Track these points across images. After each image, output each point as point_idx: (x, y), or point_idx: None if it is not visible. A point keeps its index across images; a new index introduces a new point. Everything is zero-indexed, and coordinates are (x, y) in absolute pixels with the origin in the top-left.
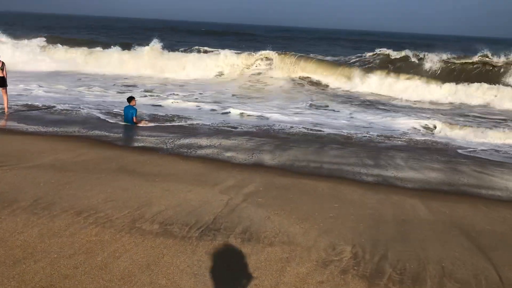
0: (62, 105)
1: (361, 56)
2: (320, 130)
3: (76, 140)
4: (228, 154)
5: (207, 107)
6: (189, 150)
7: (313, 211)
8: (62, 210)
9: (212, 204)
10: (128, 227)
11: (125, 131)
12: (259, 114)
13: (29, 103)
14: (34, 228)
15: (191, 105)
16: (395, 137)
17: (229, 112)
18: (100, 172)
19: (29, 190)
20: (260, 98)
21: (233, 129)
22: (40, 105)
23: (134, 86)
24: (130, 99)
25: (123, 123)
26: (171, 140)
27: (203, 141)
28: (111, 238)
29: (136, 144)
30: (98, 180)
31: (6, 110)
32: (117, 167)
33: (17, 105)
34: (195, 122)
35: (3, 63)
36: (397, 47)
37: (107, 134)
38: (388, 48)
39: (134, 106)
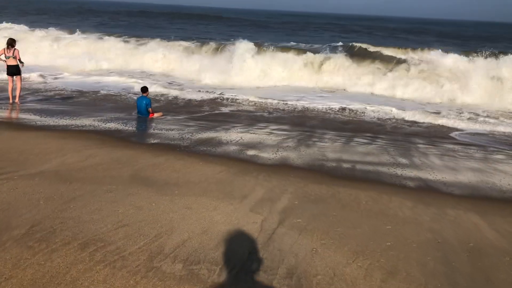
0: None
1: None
2: None
3: (85, 137)
4: (250, 152)
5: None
6: (208, 148)
7: (366, 237)
8: (63, 242)
9: (244, 229)
10: (144, 267)
11: (139, 125)
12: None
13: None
14: (27, 270)
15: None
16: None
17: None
18: (111, 181)
19: (25, 212)
20: None
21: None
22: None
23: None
24: (144, 89)
25: (137, 116)
26: (188, 135)
27: (222, 135)
28: (123, 285)
29: (150, 141)
30: (108, 195)
31: (17, 99)
32: (129, 174)
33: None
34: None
35: (14, 50)
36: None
37: (119, 128)
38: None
39: (147, 97)
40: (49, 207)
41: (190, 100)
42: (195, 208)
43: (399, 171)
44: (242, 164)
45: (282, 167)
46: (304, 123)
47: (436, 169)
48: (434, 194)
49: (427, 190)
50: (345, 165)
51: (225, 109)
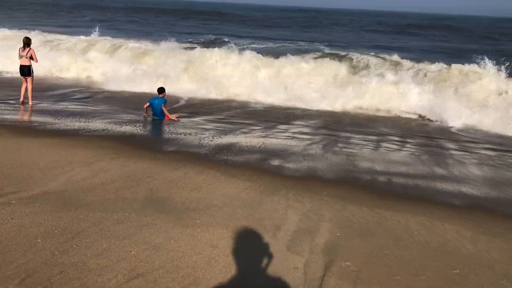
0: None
1: None
2: None
3: (97, 145)
4: (274, 162)
5: None
6: (228, 157)
7: None
8: None
9: (285, 280)
10: None
11: (153, 129)
12: None
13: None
14: None
15: None
16: None
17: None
18: (123, 207)
19: (19, 255)
20: None
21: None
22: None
23: None
24: (161, 90)
25: (151, 118)
26: (207, 141)
27: (242, 140)
28: None
29: (167, 148)
30: (119, 227)
31: (30, 102)
32: (144, 196)
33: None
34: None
35: (29, 50)
36: None
37: (134, 133)
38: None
39: (164, 98)
40: (48, 248)
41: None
42: (222, 247)
43: (439, 185)
44: (267, 177)
45: (311, 181)
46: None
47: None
48: (490, 218)
49: (478, 210)
50: (381, 179)
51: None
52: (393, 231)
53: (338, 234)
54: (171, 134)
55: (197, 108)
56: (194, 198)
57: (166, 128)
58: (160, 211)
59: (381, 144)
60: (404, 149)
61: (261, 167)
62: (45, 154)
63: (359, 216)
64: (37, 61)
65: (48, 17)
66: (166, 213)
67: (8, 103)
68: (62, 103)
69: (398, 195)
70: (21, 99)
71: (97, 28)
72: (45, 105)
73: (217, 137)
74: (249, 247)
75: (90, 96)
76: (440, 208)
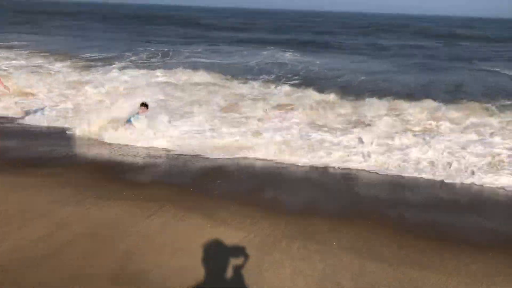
0: None
1: None
2: None
3: (59, 181)
4: (266, 194)
5: None
6: (211, 191)
7: None
8: None
9: None
10: None
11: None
12: None
13: None
14: None
15: None
16: None
17: None
18: None
19: None
20: None
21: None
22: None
23: None
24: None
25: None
26: (190, 165)
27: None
28: None
29: (137, 178)
30: None
31: None
32: (111, 274)
33: None
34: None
35: None
36: None
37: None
38: None
39: (140, 114)
40: None
41: None
42: None
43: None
44: (263, 221)
45: (313, 222)
46: None
47: None
48: None
49: None
50: (408, 215)
51: None
52: None
53: None
54: (139, 158)
55: None
56: (177, 266)
57: (135, 151)
58: None
59: None
60: None
61: (251, 203)
62: (30, 200)
63: (385, 283)
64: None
65: None
66: None
67: None
68: None
69: (431, 254)
70: None
71: None
72: None
73: (195, 162)
74: None
75: None
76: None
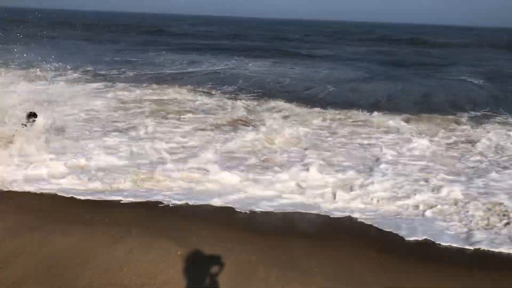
0: None
1: None
2: None
3: (24, 207)
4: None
5: None
6: (186, 211)
7: None
8: None
9: None
10: None
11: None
12: None
13: None
14: None
15: None
16: None
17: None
18: None
19: None
20: None
21: None
22: None
23: None
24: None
25: None
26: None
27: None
28: None
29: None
30: None
31: None
32: None
33: None
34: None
35: None
36: None
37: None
38: None
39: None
40: None
41: None
42: None
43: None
44: (236, 245)
45: (289, 243)
46: None
47: None
48: None
49: None
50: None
51: None
52: None
53: None
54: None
55: None
56: None
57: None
58: None
59: None
60: None
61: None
62: None
63: None
64: None
65: None
66: None
67: None
68: None
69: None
70: None
71: None
72: None
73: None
74: None
75: None
76: None
